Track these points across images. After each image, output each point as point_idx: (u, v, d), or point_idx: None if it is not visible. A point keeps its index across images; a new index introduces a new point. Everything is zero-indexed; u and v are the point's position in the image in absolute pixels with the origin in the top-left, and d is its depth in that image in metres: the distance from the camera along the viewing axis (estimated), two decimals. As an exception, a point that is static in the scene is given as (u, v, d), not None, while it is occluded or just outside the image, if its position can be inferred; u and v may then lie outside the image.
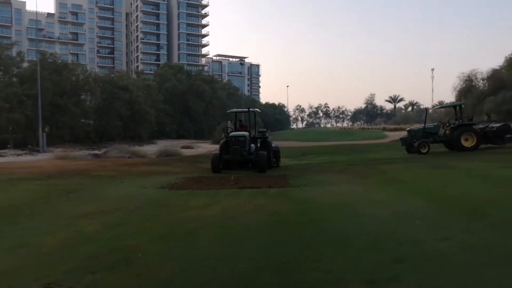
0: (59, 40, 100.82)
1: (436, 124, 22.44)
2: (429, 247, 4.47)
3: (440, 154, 19.63)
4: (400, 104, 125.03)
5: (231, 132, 15.55)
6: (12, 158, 33.05)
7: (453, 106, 24.08)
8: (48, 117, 43.04)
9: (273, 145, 16.28)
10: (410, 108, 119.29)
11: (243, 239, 5.12)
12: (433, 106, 64.28)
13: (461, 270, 3.74)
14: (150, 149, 39.21)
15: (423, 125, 21.58)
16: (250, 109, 16.13)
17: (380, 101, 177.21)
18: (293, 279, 3.62)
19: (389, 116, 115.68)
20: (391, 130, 58.80)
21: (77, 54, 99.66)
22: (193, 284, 3.61)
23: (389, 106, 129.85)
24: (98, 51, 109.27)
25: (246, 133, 14.78)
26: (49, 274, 3.91)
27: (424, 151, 19.77)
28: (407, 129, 23.64)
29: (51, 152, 34.79)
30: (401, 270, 3.76)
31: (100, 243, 5.09)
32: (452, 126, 20.78)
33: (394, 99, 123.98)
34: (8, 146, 41.46)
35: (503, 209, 6.40)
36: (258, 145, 15.48)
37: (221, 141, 15.77)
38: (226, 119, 18.81)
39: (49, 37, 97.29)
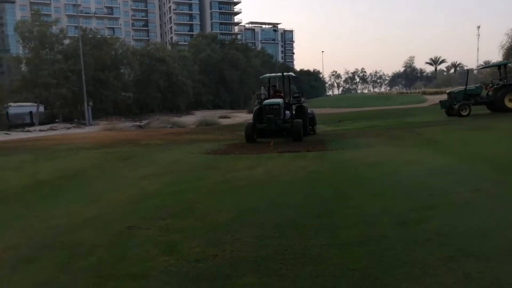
0: (95, 15, 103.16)
1: (478, 85, 21.79)
2: (458, 197, 4.90)
3: (482, 116, 19.21)
4: (442, 66, 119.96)
5: (264, 98, 14.83)
6: (62, 131, 35.30)
7: (497, 65, 23.15)
8: (92, 91, 45.13)
9: (308, 111, 15.56)
10: (452, 70, 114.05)
11: (288, 193, 5.74)
12: (478, 67, 61.32)
13: (484, 214, 4.18)
14: (189, 119, 40.54)
15: (464, 87, 21.04)
16: (284, 74, 15.09)
17: (420, 64, 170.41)
18: (334, 222, 4.21)
19: (430, 79, 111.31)
20: (431, 93, 56.89)
21: (113, 28, 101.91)
22: (248, 224, 4.27)
23: (429, 69, 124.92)
24: (132, 24, 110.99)
25: (280, 100, 13.81)
26: (128, 220, 4.71)
27: (464, 113, 19.40)
28: (447, 91, 23.11)
29: (97, 125, 36.86)
30: (430, 215, 4.25)
31: (163, 198, 5.88)
32: (495, 86, 20.14)
33: (435, 61, 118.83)
34: (57, 120, 44.13)
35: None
36: (293, 112, 14.73)
37: (254, 109, 15.00)
38: (261, 87, 17.66)
39: (86, 13, 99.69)
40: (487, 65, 35.15)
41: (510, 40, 50.01)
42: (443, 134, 12.49)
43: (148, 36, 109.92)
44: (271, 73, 17.47)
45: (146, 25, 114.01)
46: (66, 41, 48.94)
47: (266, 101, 13.88)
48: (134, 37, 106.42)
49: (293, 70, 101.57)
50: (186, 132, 20.16)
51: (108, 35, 71.12)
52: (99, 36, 49.66)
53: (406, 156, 8.56)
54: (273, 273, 3.09)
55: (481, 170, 6.52)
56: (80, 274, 3.29)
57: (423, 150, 9.39)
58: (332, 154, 9.78)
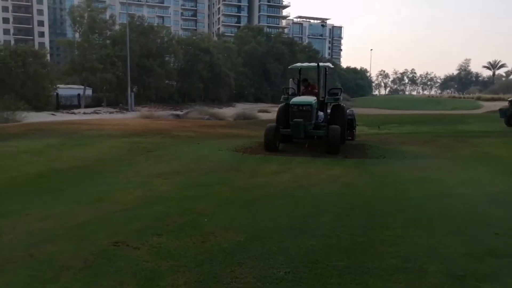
0: (147, 3, 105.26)
1: (545, 94, 19.60)
2: (534, 240, 3.79)
3: (547, 129, 17.18)
4: (501, 71, 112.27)
5: (292, 94, 11.86)
6: (105, 115, 36.09)
7: None
8: (136, 78, 45.88)
9: (347, 111, 12.61)
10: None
11: (313, 212, 4.81)
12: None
13: None
14: (229, 111, 40.13)
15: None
16: (320, 64, 11.73)
17: (476, 68, 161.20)
18: (365, 264, 3.26)
19: (486, 84, 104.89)
20: (487, 100, 53.34)
21: (162, 17, 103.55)
22: (257, 255, 3.42)
23: (486, 73, 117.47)
24: (182, 14, 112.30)
25: (312, 99, 10.64)
26: (119, 232, 4.01)
27: (527, 124, 17.49)
28: (509, 99, 20.98)
29: (138, 111, 37.28)
30: (498, 267, 3.20)
31: (170, 204, 5.15)
32: None
33: (493, 65, 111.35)
34: (103, 104, 45.23)
35: None
36: (328, 111, 11.70)
37: (279, 107, 11.95)
38: (289, 80, 13.29)
39: (138, 1, 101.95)
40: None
41: None
42: (504, 148, 10.97)
43: (196, 26, 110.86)
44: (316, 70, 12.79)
45: (194, 15, 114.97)
46: (116, 28, 49.94)
47: (294, 100, 10.75)
48: (182, 27, 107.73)
49: (339, 67, 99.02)
50: (221, 125, 19.56)
51: (158, 23, 72.16)
52: (146, 23, 50.22)
53: (460, 173, 7.34)
54: None
55: (558, 202, 5.27)
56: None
57: (480, 167, 8.10)
58: (372, 164, 8.68)
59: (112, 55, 43.46)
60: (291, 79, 12.81)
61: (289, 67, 13.72)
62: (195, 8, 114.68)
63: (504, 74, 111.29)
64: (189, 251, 3.52)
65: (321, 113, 11.26)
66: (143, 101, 45.84)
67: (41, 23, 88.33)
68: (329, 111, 11.72)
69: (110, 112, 39.46)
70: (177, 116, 30.99)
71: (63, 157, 8.89)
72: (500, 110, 20.29)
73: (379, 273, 3.07)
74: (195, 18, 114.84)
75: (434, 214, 4.73)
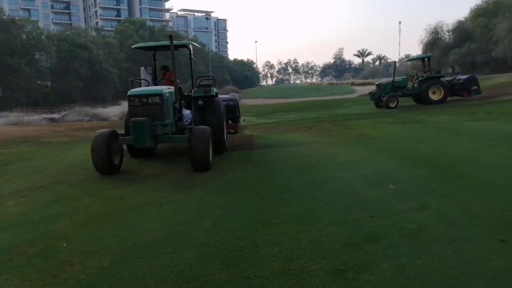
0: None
1: (404, 77, 22.13)
2: (405, 219, 3.92)
3: (408, 108, 19.45)
4: (368, 58, 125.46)
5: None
6: (-39, 124, 30.67)
7: (421, 58, 23.74)
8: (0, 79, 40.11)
9: (228, 96, 10.50)
10: (377, 62, 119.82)
11: (193, 218, 4.39)
12: (400, 60, 64.28)
13: (444, 249, 3.18)
14: (114, 110, 37.34)
15: (391, 79, 21.20)
16: (176, 42, 8.18)
17: (349, 56, 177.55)
18: (245, 273, 2.95)
19: (357, 70, 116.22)
20: (359, 84, 58.99)
21: (28, 10, 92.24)
22: (121, 283, 2.88)
23: (357, 61, 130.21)
24: (52, 6, 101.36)
25: (165, 88, 7.44)
26: None
27: (392, 105, 19.56)
28: (376, 83, 23.24)
29: (5, 117, 32.53)
30: (375, 253, 3.17)
31: (21, 229, 4.26)
32: (420, 79, 20.52)
33: (362, 53, 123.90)
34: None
35: (478, 167, 5.97)
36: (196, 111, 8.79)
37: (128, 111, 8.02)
38: (141, 68, 9.70)
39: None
40: (410, 58, 36.27)
41: (428, 35, 53.12)
42: (375, 129, 11.94)
43: (70, 20, 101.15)
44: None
45: (67, 7, 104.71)
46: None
47: (135, 90, 7.43)
48: (54, 21, 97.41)
49: (226, 59, 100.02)
50: (102, 127, 17.91)
51: (24, 17, 64.00)
52: (5, 16, 44.03)
53: (339, 157, 7.63)
54: None
55: (421, 176, 5.69)
56: None
57: (356, 148, 8.57)
58: (258, 154, 8.62)
59: (-36, 53, 37.21)
60: (142, 68, 9.54)
61: (132, 47, 10.21)
62: (68, 0, 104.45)
63: (371, 61, 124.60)
64: (34, 292, 2.83)
65: (187, 112, 8.30)
66: (12, 105, 40.26)
67: None
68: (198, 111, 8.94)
69: (-32, 121, 33.76)
70: (53, 119, 27.72)
71: None
72: (370, 93, 22.34)
73: (260, 282, 2.79)
74: (69, 11, 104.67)
75: (315, 203, 4.69)
